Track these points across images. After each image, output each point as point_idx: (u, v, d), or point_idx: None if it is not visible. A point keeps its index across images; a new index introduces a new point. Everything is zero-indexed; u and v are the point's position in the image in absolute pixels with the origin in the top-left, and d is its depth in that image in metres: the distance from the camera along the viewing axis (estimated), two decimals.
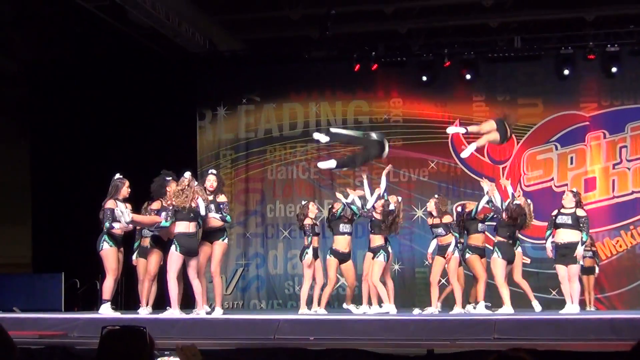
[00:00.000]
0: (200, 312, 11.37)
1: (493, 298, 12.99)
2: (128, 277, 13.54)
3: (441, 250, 12.35)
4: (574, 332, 9.30)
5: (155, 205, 11.73)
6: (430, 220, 12.60)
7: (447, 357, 7.37)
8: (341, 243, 12.60)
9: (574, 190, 12.83)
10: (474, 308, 12.46)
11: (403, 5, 15.56)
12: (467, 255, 12.55)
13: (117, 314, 11.47)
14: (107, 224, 11.35)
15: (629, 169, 15.54)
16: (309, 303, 12.59)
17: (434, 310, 12.15)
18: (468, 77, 16.00)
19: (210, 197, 11.65)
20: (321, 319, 11.06)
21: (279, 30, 16.66)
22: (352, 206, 12.57)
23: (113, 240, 11.49)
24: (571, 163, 15.79)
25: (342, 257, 12.62)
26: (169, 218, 11.21)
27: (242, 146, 16.99)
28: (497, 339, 9.04)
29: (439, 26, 16.45)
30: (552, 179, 15.78)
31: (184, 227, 11.16)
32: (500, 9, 15.58)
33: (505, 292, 12.05)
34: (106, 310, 11.39)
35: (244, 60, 17.03)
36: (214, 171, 12.48)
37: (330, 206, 13.24)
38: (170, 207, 11.20)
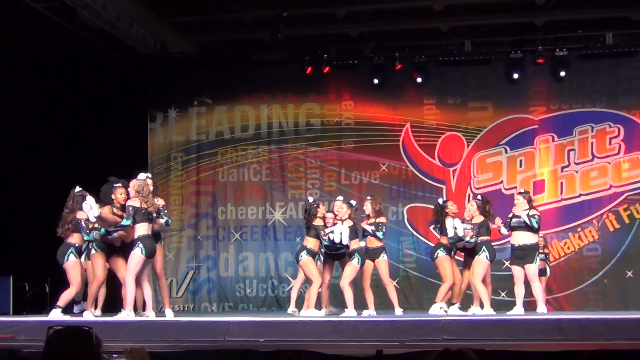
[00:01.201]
0: (150, 314, 11.31)
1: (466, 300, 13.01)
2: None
3: (369, 253, 12.43)
4: (522, 332, 9.41)
5: (106, 210, 11.64)
6: (365, 222, 12.63)
7: (396, 358, 7.41)
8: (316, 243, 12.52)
9: (522, 190, 12.97)
10: (458, 308, 12.54)
11: (355, 8, 15.60)
12: (440, 255, 12.61)
13: (67, 317, 11.37)
14: (89, 235, 11.29)
15: (576, 172, 15.73)
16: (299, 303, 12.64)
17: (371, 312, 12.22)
18: (419, 80, 16.10)
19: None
20: (269, 320, 11.05)
21: (231, 33, 16.63)
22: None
23: (78, 252, 11.50)
24: (520, 166, 15.95)
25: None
26: (129, 217, 11.12)
27: (194, 148, 16.92)
28: (445, 339, 9.12)
29: (391, 30, 16.54)
30: (502, 182, 15.92)
31: (145, 229, 11.08)
32: (450, 13, 15.71)
33: (484, 292, 12.15)
34: (56, 315, 11.29)
35: (196, 62, 16.97)
36: (149, 174, 12.37)
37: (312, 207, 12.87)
38: (130, 209, 11.11)
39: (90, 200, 11.32)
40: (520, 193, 12.69)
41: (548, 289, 15.07)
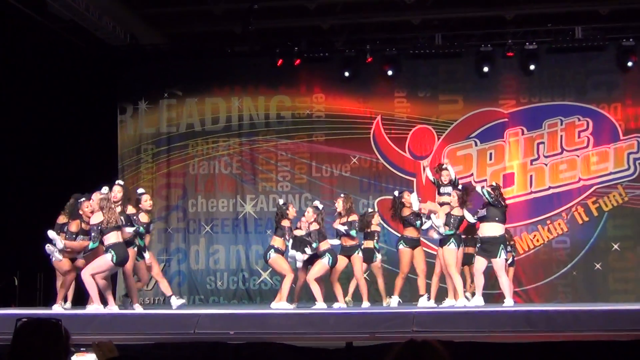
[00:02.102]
0: (114, 307, 11.33)
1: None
2: (47, 274, 13.37)
3: (345, 250, 12.51)
4: (491, 324, 9.46)
5: (74, 226, 11.73)
6: (337, 221, 12.71)
7: (366, 350, 7.42)
8: None
9: (494, 184, 13.01)
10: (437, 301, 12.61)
11: (326, 1, 15.58)
12: (400, 247, 12.69)
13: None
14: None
15: (546, 164, 15.83)
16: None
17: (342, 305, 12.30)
18: (390, 73, 16.13)
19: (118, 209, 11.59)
20: (240, 313, 11.05)
21: (202, 25, 16.56)
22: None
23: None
24: (490, 159, 16.03)
25: None
26: (96, 239, 11.16)
27: (164, 140, 16.87)
28: (416, 331, 9.15)
29: (362, 22, 16.54)
30: (472, 175, 15.99)
31: (115, 237, 11.14)
32: (421, 7, 15.71)
33: (458, 282, 12.21)
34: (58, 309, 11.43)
35: (166, 55, 16.91)
36: (121, 182, 12.40)
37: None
38: (94, 228, 11.12)
39: (53, 236, 11.40)
40: (490, 186, 12.74)
41: (517, 281, 15.18)
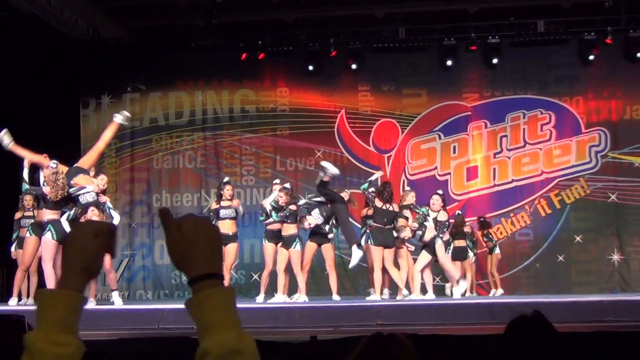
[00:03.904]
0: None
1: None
2: (8, 268, 13.26)
3: (286, 242, 12.61)
4: (454, 317, 9.52)
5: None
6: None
7: (330, 343, 7.44)
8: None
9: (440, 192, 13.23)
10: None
11: None
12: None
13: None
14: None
15: (509, 158, 15.94)
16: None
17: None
18: (354, 67, 16.14)
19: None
20: None
21: (165, 18, 16.46)
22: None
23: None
24: (454, 152, 16.12)
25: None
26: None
27: (127, 135, 16.75)
28: (380, 325, 9.18)
29: (325, 16, 16.53)
30: (436, 168, 16.08)
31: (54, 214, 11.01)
32: (385, 0, 15.76)
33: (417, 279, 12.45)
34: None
35: (129, 48, 16.80)
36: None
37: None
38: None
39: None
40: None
41: (481, 273, 15.29)
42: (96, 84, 16.88)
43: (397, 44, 16.20)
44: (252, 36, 16.18)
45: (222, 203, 12.68)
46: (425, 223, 12.33)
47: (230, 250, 12.53)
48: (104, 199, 11.61)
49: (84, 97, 16.91)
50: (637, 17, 15.64)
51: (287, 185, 13.04)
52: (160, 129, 16.79)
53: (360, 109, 16.42)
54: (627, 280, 15.47)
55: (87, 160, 11.50)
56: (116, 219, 11.60)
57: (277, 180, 13.75)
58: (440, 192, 13.19)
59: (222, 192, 12.73)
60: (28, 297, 12.09)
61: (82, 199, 11.08)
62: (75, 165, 11.29)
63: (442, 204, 12.66)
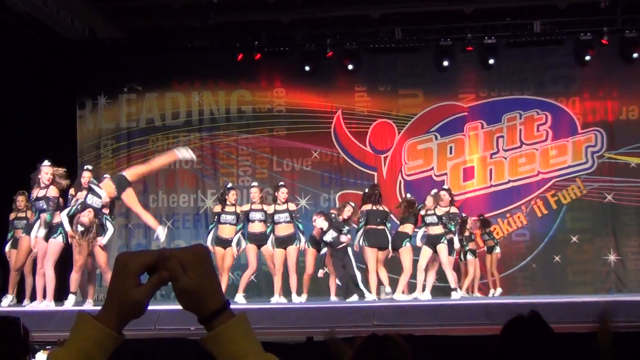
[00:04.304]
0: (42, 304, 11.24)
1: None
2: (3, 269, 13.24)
3: (283, 242, 12.67)
4: (451, 317, 9.53)
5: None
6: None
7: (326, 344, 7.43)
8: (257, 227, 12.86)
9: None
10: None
11: None
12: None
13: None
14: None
15: (505, 158, 15.95)
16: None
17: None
18: (350, 67, 16.13)
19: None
20: None
21: (161, 19, 16.46)
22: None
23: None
24: (450, 153, 16.12)
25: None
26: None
27: (124, 136, 16.74)
28: (376, 325, 9.18)
29: (322, 17, 16.53)
30: (432, 169, 16.08)
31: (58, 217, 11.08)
32: (381, 1, 15.76)
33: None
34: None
35: (125, 49, 16.77)
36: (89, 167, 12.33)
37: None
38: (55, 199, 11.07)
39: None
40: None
41: (481, 273, 15.29)
42: (92, 85, 16.85)
43: (393, 45, 16.20)
44: (249, 37, 16.17)
45: (226, 208, 12.76)
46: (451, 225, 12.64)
47: (228, 254, 12.65)
48: (106, 210, 11.64)
49: (80, 97, 16.89)
50: (633, 17, 15.64)
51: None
52: (157, 129, 16.77)
53: (357, 110, 16.41)
54: (623, 280, 15.48)
55: (133, 174, 11.60)
56: (110, 230, 11.60)
57: (255, 183, 13.72)
58: (445, 187, 13.33)
59: (226, 197, 12.81)
60: (26, 298, 12.10)
61: (90, 200, 11.14)
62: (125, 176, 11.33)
63: (449, 199, 12.83)
